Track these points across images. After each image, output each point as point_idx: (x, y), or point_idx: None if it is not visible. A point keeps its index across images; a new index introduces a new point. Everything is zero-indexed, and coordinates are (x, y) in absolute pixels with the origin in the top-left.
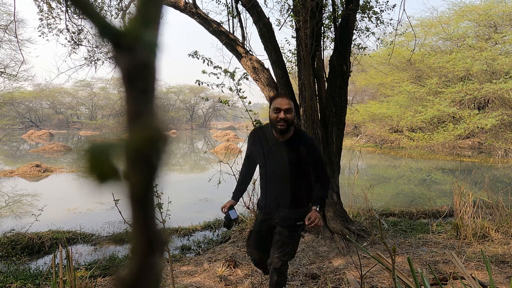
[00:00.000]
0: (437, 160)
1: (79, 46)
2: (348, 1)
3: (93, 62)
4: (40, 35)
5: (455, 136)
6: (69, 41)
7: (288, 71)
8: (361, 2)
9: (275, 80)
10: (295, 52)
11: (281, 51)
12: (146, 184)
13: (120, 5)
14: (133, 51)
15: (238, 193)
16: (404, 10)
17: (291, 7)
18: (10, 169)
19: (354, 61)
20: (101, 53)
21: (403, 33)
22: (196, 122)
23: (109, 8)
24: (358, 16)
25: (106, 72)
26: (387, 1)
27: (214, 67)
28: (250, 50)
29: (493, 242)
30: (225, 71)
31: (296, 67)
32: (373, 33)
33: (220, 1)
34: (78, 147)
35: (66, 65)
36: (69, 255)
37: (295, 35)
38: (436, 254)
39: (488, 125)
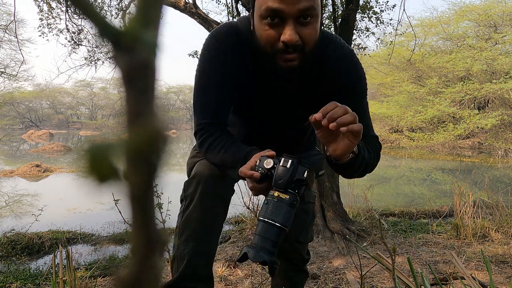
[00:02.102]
0: (437, 160)
1: (79, 46)
2: (348, 1)
3: (93, 62)
4: (40, 35)
5: (455, 136)
6: (69, 41)
7: None
8: (361, 2)
9: None
10: None
11: None
12: (146, 184)
13: (120, 5)
14: (133, 51)
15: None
16: (404, 10)
17: None
18: (10, 169)
19: None
20: (101, 53)
21: (403, 33)
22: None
23: (109, 8)
24: (358, 16)
25: (106, 72)
26: (387, 1)
27: None
28: None
29: (493, 242)
30: None
31: None
32: (373, 33)
33: (220, 1)
34: (78, 147)
35: (66, 65)
36: (69, 255)
37: None
38: (436, 254)
39: (488, 125)
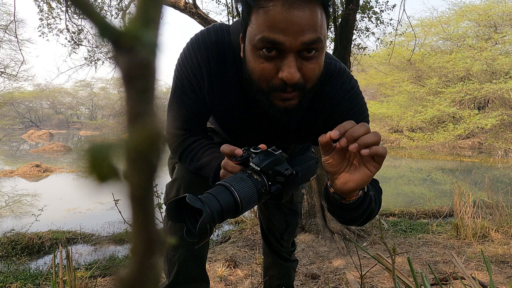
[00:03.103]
0: (437, 160)
1: (79, 46)
2: (348, 1)
3: (93, 62)
4: (40, 35)
5: (455, 136)
6: (69, 41)
7: None
8: (361, 2)
9: None
10: None
11: None
12: (146, 184)
13: (120, 5)
14: (133, 51)
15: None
16: (404, 10)
17: None
18: (10, 169)
19: (354, 61)
20: (101, 53)
21: (403, 33)
22: None
23: (109, 8)
24: (358, 16)
25: (106, 72)
26: (387, 1)
27: None
28: None
29: (493, 242)
30: None
31: None
32: (373, 33)
33: (220, 1)
34: (78, 147)
35: (66, 65)
36: (69, 255)
37: None
38: (436, 254)
39: (488, 125)
